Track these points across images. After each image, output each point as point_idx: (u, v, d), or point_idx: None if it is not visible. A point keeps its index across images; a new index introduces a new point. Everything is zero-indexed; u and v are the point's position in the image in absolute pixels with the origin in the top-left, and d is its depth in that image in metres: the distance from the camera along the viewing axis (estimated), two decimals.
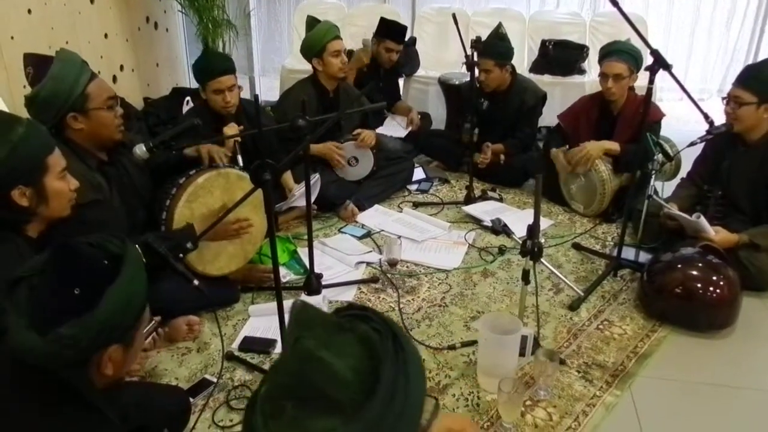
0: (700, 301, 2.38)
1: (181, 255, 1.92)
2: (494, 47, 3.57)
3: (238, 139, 2.67)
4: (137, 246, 2.01)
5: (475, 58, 3.21)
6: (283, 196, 3.11)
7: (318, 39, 3.29)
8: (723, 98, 2.74)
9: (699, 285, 2.39)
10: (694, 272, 2.43)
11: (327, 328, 0.72)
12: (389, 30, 4.04)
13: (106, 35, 4.15)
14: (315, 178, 3.09)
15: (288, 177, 3.16)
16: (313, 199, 3.07)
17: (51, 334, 1.03)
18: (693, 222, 2.61)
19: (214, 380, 2.08)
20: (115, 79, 4.27)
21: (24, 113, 2.01)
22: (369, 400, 0.69)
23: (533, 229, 2.06)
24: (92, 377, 1.13)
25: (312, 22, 3.41)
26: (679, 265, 2.47)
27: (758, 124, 2.66)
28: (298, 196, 3.01)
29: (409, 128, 4.09)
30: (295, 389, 0.70)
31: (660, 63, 2.32)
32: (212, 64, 2.83)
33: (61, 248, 1.10)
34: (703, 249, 2.52)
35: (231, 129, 2.75)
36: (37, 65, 1.99)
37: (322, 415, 0.68)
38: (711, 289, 2.38)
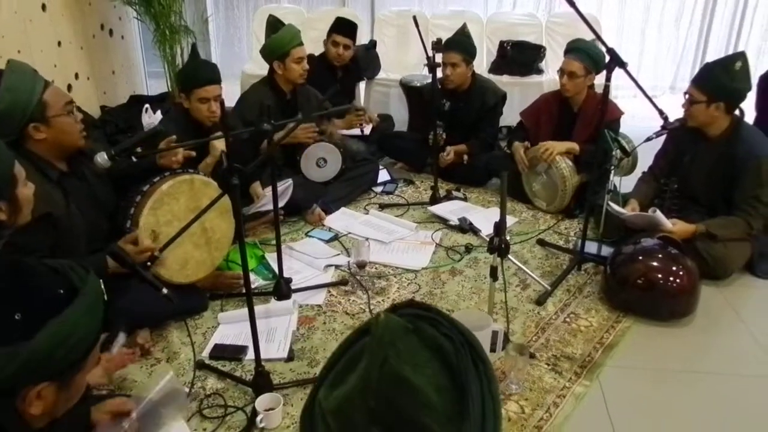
0: (661, 291, 2.46)
1: (148, 263, 1.88)
2: (461, 42, 3.65)
3: (224, 149, 2.65)
4: (95, 261, 1.98)
5: (438, 59, 3.25)
6: (252, 203, 3.07)
7: (283, 43, 3.28)
8: (684, 94, 2.81)
9: (660, 275, 2.47)
10: (655, 263, 2.51)
11: (401, 336, 0.66)
12: (336, 24, 4.05)
13: (59, 43, 4.06)
14: (287, 184, 3.07)
15: (257, 185, 3.11)
16: (284, 203, 3.07)
17: None
18: (649, 217, 2.69)
19: (186, 390, 2.05)
20: (69, 87, 4.18)
21: None
22: (463, 426, 0.64)
23: (500, 226, 2.09)
24: (23, 411, 1.03)
25: (275, 23, 3.40)
26: (640, 257, 2.55)
27: (712, 121, 2.75)
28: (266, 201, 2.99)
29: (371, 125, 4.09)
30: (384, 415, 0.63)
31: (616, 61, 2.39)
32: (200, 73, 2.77)
33: (14, 267, 1.01)
34: (662, 240, 2.60)
35: (219, 143, 2.71)
36: None
37: None
38: (671, 279, 2.46)
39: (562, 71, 3.32)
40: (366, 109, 4.26)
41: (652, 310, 2.49)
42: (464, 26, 3.73)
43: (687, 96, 2.76)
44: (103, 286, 1.13)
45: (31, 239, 1.81)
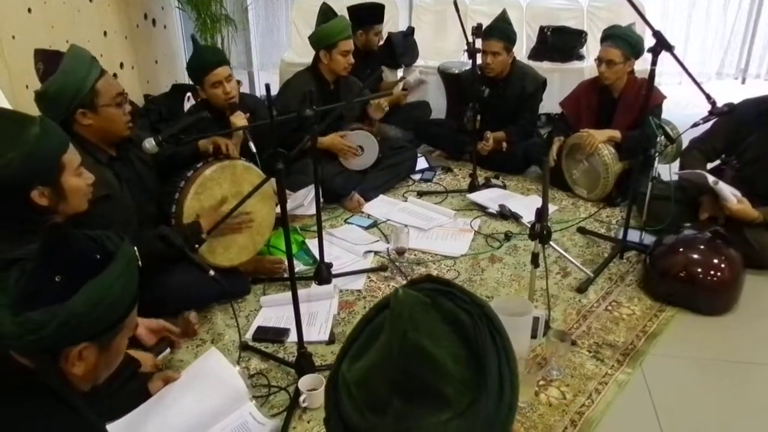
0: (700, 284, 2.39)
1: (196, 245, 1.93)
2: (503, 29, 3.61)
3: (245, 123, 2.69)
4: (145, 244, 2.03)
5: (478, 45, 3.22)
6: None
7: (333, 33, 3.29)
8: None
9: (700, 269, 2.40)
10: (696, 256, 2.44)
11: (419, 310, 0.68)
12: (373, 15, 4.06)
13: (105, 33, 4.16)
14: (311, 196, 3.01)
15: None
16: (312, 210, 3.00)
17: (21, 316, 1.01)
18: (710, 186, 2.59)
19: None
20: (115, 76, 4.26)
21: (31, 110, 2.02)
22: (480, 394, 0.66)
23: (542, 213, 2.07)
24: (67, 372, 1.08)
25: (327, 12, 3.41)
26: (681, 249, 2.49)
27: None
28: (296, 206, 2.99)
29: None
30: (403, 384, 0.66)
31: (662, 44, 2.34)
32: (205, 59, 2.79)
33: (53, 233, 1.07)
34: (709, 232, 2.53)
35: (238, 117, 2.75)
36: (47, 61, 2.01)
37: (430, 410, 0.66)
38: (712, 272, 2.40)
39: (599, 60, 3.25)
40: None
41: (691, 304, 2.44)
42: (504, 12, 3.69)
43: None
44: (137, 253, 1.16)
45: (92, 222, 1.86)
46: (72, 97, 2.00)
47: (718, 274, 2.40)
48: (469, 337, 0.69)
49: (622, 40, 3.18)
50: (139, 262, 1.15)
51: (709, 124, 2.80)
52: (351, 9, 4.05)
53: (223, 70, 2.78)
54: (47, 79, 1.99)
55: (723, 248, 2.46)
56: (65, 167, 1.67)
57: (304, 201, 2.99)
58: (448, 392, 0.66)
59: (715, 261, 2.43)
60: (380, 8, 4.10)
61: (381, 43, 4.20)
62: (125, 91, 2.19)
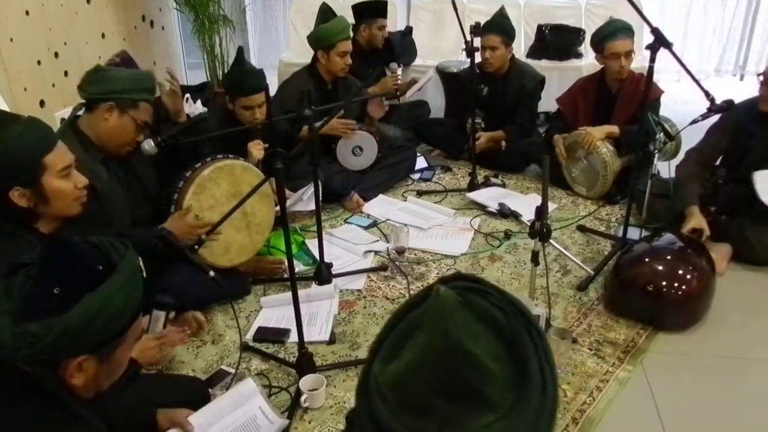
0: (666, 298, 2.28)
1: (195, 246, 1.93)
2: (501, 24, 3.61)
3: (260, 159, 2.67)
4: (143, 249, 2.01)
5: (476, 44, 3.22)
6: None
7: (332, 34, 3.29)
8: (759, 76, 2.69)
9: (665, 282, 2.28)
10: (661, 267, 2.34)
11: (458, 308, 0.66)
12: (376, 8, 4.05)
13: (103, 35, 4.15)
14: (309, 192, 2.97)
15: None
16: (311, 207, 2.98)
17: (19, 327, 0.99)
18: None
19: (232, 371, 2.10)
20: None
21: (31, 112, 2.02)
22: (523, 392, 0.65)
23: (541, 211, 2.07)
24: (69, 382, 1.07)
25: (326, 12, 3.40)
26: (647, 259, 2.40)
27: None
28: (295, 202, 2.99)
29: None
30: (448, 385, 0.65)
31: (661, 41, 2.33)
32: (246, 82, 2.72)
33: (56, 243, 1.04)
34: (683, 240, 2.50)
35: (255, 147, 2.71)
36: (125, 63, 2.08)
37: (476, 411, 0.64)
38: (677, 285, 2.27)
39: (616, 55, 3.18)
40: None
41: (655, 319, 2.32)
42: (502, 8, 3.70)
43: (762, 78, 2.62)
44: (141, 264, 1.15)
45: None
46: (120, 92, 2.07)
47: (684, 287, 2.26)
48: (506, 336, 0.67)
49: (629, 31, 3.20)
50: (143, 273, 1.12)
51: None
52: (355, 6, 4.04)
53: (258, 97, 2.72)
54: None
55: (693, 258, 2.35)
56: (47, 169, 1.61)
57: (303, 196, 2.98)
58: (491, 393, 0.65)
59: (681, 272, 2.30)
60: (383, 3, 4.10)
61: (384, 38, 4.18)
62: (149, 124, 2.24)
